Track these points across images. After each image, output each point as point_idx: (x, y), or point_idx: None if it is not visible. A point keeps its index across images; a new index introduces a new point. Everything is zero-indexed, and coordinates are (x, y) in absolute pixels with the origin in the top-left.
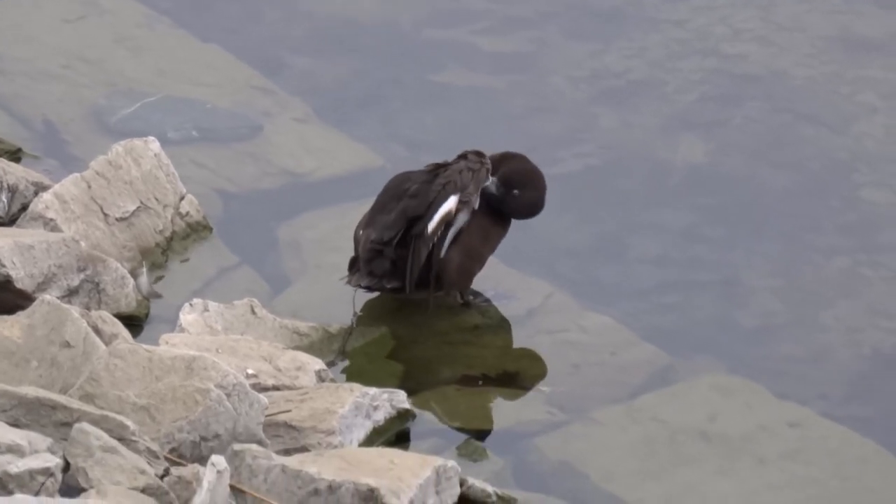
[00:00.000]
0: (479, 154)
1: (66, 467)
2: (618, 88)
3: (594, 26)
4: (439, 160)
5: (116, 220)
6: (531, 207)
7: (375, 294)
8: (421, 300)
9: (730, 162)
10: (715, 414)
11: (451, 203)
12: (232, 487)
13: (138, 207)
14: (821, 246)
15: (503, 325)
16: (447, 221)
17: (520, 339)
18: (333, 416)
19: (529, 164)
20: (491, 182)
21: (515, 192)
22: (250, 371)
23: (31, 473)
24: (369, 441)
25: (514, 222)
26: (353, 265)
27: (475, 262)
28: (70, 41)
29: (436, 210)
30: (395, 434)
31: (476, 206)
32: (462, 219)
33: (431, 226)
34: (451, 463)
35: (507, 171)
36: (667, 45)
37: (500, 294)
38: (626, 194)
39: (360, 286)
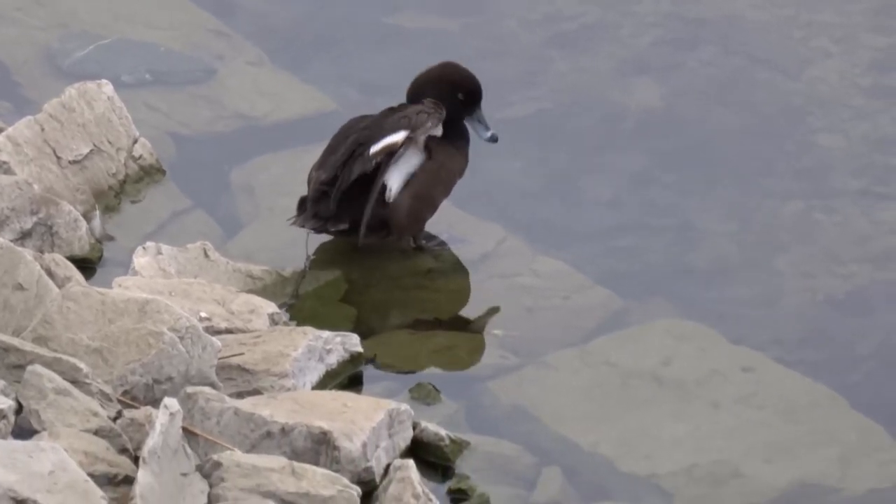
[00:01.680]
0: (436, 103)
1: (19, 409)
2: (571, 32)
3: None
4: (393, 104)
5: (69, 162)
6: (474, 84)
7: (329, 237)
8: (370, 244)
9: (684, 105)
10: (668, 358)
11: (398, 136)
12: (184, 430)
13: (91, 150)
14: (775, 190)
15: (456, 270)
16: (391, 152)
17: (473, 284)
18: (286, 359)
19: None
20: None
21: (459, 95)
22: (203, 314)
23: None
24: (322, 384)
25: (470, 163)
26: (301, 206)
27: (426, 206)
28: None
29: (382, 138)
30: (348, 377)
31: (424, 145)
32: (412, 161)
33: (374, 149)
34: (405, 406)
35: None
36: None
37: (453, 237)
38: (580, 138)
39: (304, 227)
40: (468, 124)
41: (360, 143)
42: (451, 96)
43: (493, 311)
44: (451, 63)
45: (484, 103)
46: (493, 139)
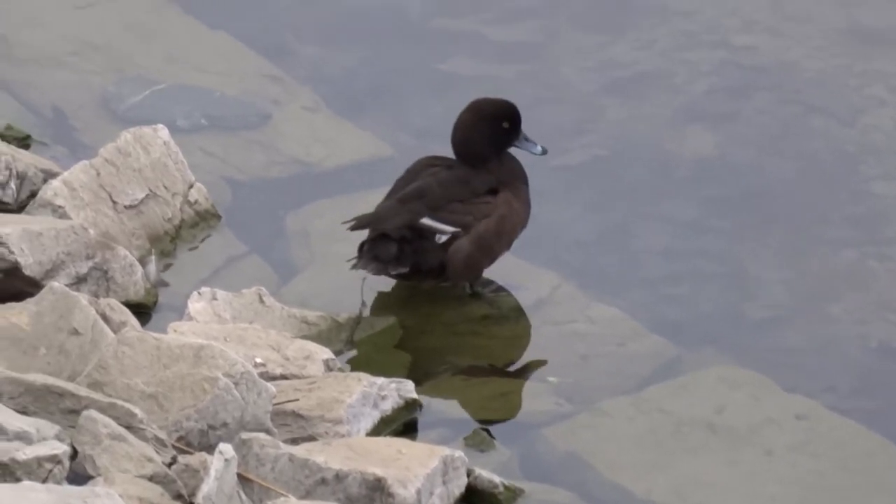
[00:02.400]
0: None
1: (74, 455)
2: (626, 79)
3: (603, 17)
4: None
5: (125, 207)
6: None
7: (384, 282)
8: (429, 288)
9: (738, 153)
10: (722, 406)
11: (450, 228)
12: (239, 476)
13: (147, 195)
14: (828, 238)
15: (511, 316)
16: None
17: (528, 330)
18: (341, 405)
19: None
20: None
21: (504, 125)
22: (258, 360)
23: (39, 461)
24: (377, 431)
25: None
26: (361, 249)
27: (485, 256)
28: (79, 28)
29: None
30: (403, 424)
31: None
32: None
33: (427, 221)
34: (459, 453)
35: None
36: (676, 37)
37: (508, 285)
38: (634, 185)
39: (365, 270)
40: (518, 147)
41: (420, 196)
42: (497, 129)
43: (548, 357)
44: (479, 100)
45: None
46: (545, 152)
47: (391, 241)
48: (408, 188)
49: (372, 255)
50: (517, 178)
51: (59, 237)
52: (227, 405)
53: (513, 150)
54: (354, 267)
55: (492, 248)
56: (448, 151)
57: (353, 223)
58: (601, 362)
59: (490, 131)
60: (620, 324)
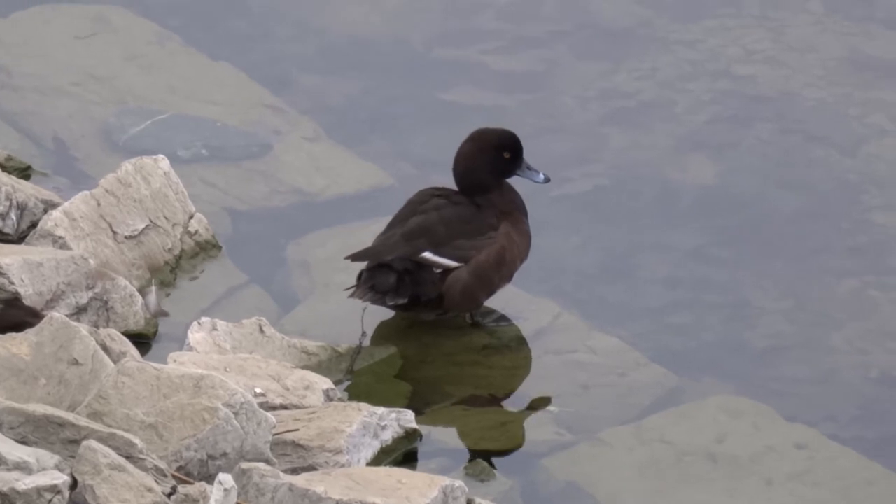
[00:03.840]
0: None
1: (74, 485)
2: (628, 109)
3: (605, 46)
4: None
5: (125, 237)
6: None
7: (385, 311)
8: (428, 319)
9: (739, 183)
10: (723, 435)
11: (453, 263)
12: None
13: (147, 225)
14: (830, 268)
15: (511, 346)
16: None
17: (528, 360)
18: (341, 435)
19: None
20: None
21: (505, 154)
22: (258, 390)
23: (39, 491)
24: (377, 461)
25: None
26: (360, 279)
27: (483, 287)
28: (81, 58)
29: (442, 248)
30: (403, 454)
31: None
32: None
33: (427, 256)
34: (459, 483)
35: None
36: (678, 66)
37: (509, 314)
38: (636, 215)
39: (362, 300)
40: (521, 175)
41: (424, 233)
42: (499, 159)
43: (548, 387)
44: (480, 130)
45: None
46: (548, 180)
47: (390, 271)
48: (410, 223)
49: (370, 284)
50: (517, 209)
51: (59, 267)
52: (227, 435)
53: (515, 179)
54: (352, 296)
55: (490, 279)
56: (449, 181)
57: (353, 256)
58: (602, 392)
59: (491, 161)
60: (621, 353)
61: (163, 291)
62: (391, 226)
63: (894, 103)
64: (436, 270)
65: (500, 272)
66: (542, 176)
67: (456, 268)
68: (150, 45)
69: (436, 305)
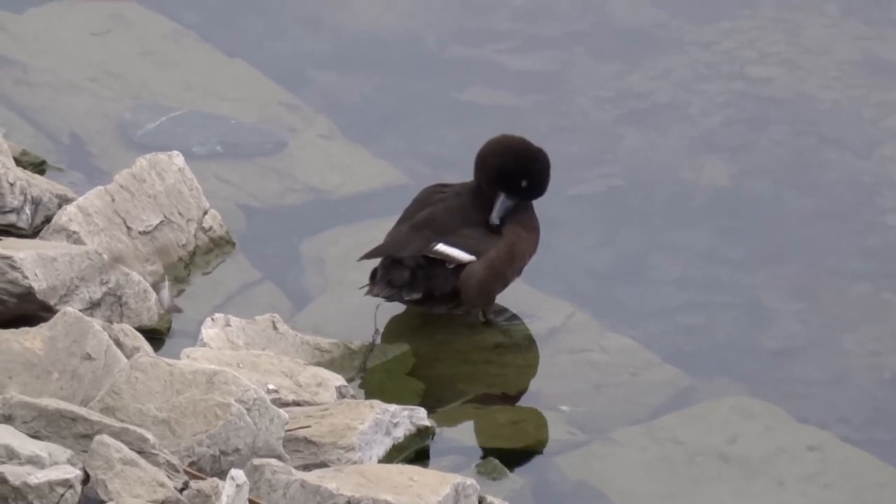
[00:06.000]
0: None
1: (86, 479)
2: (642, 110)
3: (620, 47)
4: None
5: (139, 233)
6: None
7: (398, 309)
8: (442, 315)
9: (753, 184)
10: (735, 436)
11: (465, 256)
12: (251, 502)
13: (161, 221)
14: (843, 270)
15: (524, 345)
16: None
17: (541, 359)
18: (353, 432)
19: (511, 146)
20: (500, 204)
21: (523, 183)
22: (271, 386)
23: (51, 485)
24: (389, 458)
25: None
26: (374, 275)
27: (498, 281)
28: (96, 54)
29: (453, 238)
30: (415, 451)
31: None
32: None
33: (439, 248)
34: (471, 481)
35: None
36: (692, 67)
37: (521, 313)
38: (649, 215)
39: (378, 296)
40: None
41: (431, 224)
42: (516, 183)
43: (561, 386)
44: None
45: (554, 180)
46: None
47: (404, 266)
48: (417, 217)
49: (385, 280)
50: (527, 210)
51: (73, 262)
52: (240, 431)
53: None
54: (368, 293)
55: (504, 274)
56: (460, 180)
57: (366, 255)
58: (614, 391)
59: (508, 180)
60: (634, 353)
61: (176, 287)
62: (399, 223)
63: None
64: (448, 266)
65: (512, 266)
66: (495, 217)
67: (468, 262)
68: (165, 42)
69: (450, 300)
